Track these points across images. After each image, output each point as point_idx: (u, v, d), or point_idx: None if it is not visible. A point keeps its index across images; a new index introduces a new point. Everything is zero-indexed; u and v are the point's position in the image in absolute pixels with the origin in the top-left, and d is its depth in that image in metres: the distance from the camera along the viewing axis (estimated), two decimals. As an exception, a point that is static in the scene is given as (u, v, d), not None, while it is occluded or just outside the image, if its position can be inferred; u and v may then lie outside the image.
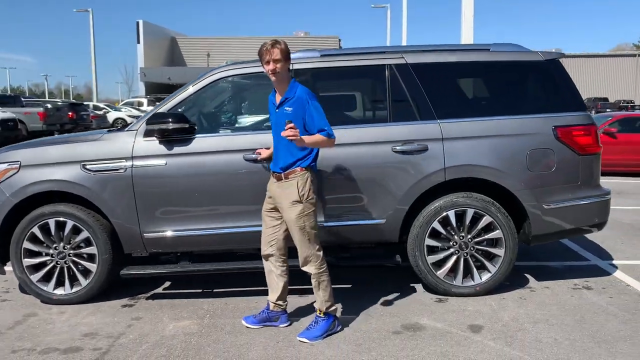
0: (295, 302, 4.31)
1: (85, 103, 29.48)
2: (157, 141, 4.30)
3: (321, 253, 3.69)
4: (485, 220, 4.33)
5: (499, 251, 4.37)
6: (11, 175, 4.35)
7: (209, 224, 4.31)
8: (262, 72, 4.40)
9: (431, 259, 4.38)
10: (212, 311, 4.23)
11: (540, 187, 4.33)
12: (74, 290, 4.42)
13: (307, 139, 3.47)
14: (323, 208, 4.29)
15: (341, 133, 4.30)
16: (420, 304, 4.28)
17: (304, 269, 3.70)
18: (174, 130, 4.22)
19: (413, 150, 4.27)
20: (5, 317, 4.19)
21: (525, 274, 4.94)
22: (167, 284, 4.90)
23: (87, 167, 4.30)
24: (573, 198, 4.38)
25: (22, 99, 23.86)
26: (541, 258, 5.45)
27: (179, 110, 4.45)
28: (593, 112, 45.77)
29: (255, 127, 4.87)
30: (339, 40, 57.10)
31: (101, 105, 34.50)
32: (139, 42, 49.97)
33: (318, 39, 54.82)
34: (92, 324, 4.03)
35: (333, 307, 3.74)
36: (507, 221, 4.31)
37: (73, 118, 22.42)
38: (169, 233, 4.33)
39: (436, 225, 4.33)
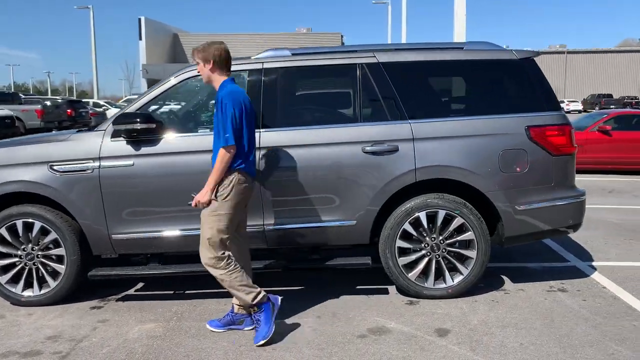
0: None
1: (84, 100, 29.52)
2: (125, 142, 4.25)
3: (227, 254, 3.60)
4: (457, 221, 4.26)
5: (471, 253, 4.31)
6: None
7: (176, 225, 4.27)
8: (239, 70, 4.40)
9: (402, 260, 4.32)
10: (180, 313, 4.19)
11: (512, 188, 4.26)
12: (43, 292, 4.38)
13: (210, 181, 3.53)
14: (293, 209, 4.24)
15: (311, 133, 4.29)
16: (391, 307, 4.22)
17: (208, 269, 3.66)
18: (142, 131, 4.17)
19: (383, 150, 4.21)
20: (-28, 319, 4.17)
21: (502, 276, 4.88)
22: (140, 285, 4.87)
23: (54, 167, 4.26)
24: (546, 199, 4.31)
25: (22, 96, 23.92)
26: (520, 259, 5.38)
27: (149, 109, 4.41)
28: (597, 108, 45.52)
29: None
30: (342, 36, 56.97)
31: (101, 102, 34.57)
32: (140, 38, 49.98)
33: (320, 35, 54.71)
34: (57, 326, 4.00)
35: (259, 297, 3.61)
36: (479, 223, 4.24)
37: (71, 115, 22.42)
38: (137, 235, 4.29)
39: (407, 226, 4.27)
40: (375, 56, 4.37)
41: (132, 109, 4.35)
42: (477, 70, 4.45)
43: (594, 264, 5.20)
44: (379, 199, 4.24)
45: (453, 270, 4.36)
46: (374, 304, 4.30)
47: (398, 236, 4.28)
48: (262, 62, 4.36)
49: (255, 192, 4.08)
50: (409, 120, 4.27)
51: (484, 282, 4.63)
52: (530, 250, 5.62)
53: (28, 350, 3.61)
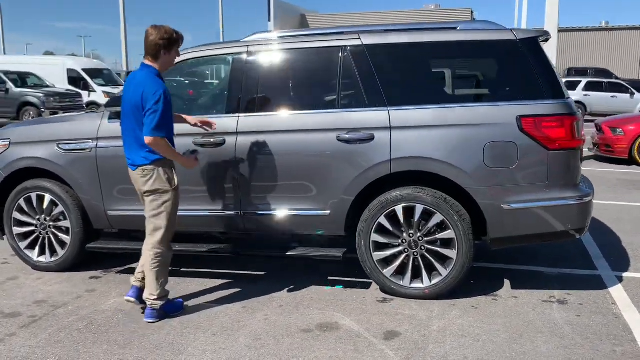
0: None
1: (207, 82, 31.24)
2: (118, 123, 4.48)
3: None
4: (436, 218, 3.93)
5: (451, 253, 3.96)
6: (2, 152, 4.82)
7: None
8: (222, 54, 4.41)
9: (377, 255, 4.09)
10: (160, 290, 4.37)
11: (498, 185, 3.82)
12: (53, 259, 4.80)
13: None
14: (268, 196, 4.19)
15: (287, 119, 4.20)
16: (359, 303, 4.04)
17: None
18: None
19: (358, 139, 3.99)
20: (-10, 279, 4.70)
21: (506, 279, 4.43)
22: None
23: (61, 146, 4.62)
24: (539, 199, 3.81)
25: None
26: (540, 263, 4.83)
27: None
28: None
29: (208, 111, 4.83)
30: (472, 12, 54.22)
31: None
32: (270, 19, 51.78)
33: (449, 11, 52.51)
34: (50, 292, 4.37)
35: (163, 300, 3.78)
36: (461, 221, 3.87)
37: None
38: (128, 212, 4.52)
39: (383, 220, 4.03)
40: (360, 38, 4.13)
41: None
42: (469, 52, 4.02)
43: (624, 275, 4.52)
44: (353, 190, 4.04)
45: (432, 270, 4.05)
46: (345, 298, 4.14)
47: (373, 230, 4.05)
48: (247, 46, 4.32)
49: (232, 176, 4.16)
50: (388, 107, 3.99)
51: (481, 284, 4.26)
52: (561, 254, 5.03)
53: (11, 312, 3.98)
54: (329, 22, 55.97)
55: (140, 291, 3.87)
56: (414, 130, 3.93)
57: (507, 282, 4.39)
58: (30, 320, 3.83)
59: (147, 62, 3.61)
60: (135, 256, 4.99)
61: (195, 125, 4.05)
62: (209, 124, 4.04)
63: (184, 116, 4.07)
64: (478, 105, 3.89)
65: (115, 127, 4.40)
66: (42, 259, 4.83)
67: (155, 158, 3.61)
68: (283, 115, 4.20)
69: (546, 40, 4.11)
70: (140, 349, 3.38)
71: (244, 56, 4.29)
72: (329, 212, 4.12)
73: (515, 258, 4.93)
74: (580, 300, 4.02)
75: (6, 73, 18.63)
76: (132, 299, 3.89)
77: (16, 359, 3.29)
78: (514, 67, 3.94)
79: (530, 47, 3.87)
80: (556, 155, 3.77)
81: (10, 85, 18.01)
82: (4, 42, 45.78)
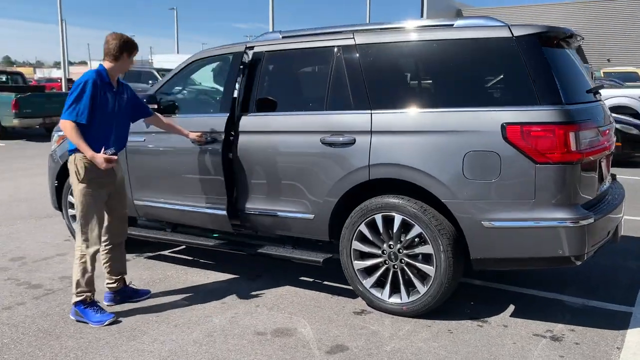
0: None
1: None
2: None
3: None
4: (415, 230, 3.65)
5: (430, 269, 3.65)
6: (61, 143, 5.45)
7: (169, 199, 4.69)
8: (226, 53, 4.52)
9: (357, 264, 3.92)
10: (163, 278, 4.63)
11: (478, 200, 3.43)
12: None
13: None
14: (258, 195, 4.23)
15: (275, 120, 4.20)
16: (334, 311, 3.91)
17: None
18: None
19: (339, 142, 3.84)
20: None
21: (514, 304, 3.97)
22: (181, 248, 5.46)
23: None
24: (524, 218, 3.34)
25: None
26: (571, 290, 4.22)
27: (171, 90, 4.89)
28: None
29: (205, 111, 4.98)
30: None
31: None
32: (422, 15, 50.84)
33: (617, 3, 46.93)
34: (79, 269, 4.87)
35: (79, 297, 3.75)
36: (439, 235, 3.55)
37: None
38: (148, 203, 4.86)
39: (363, 228, 3.84)
40: (353, 37, 3.96)
41: (151, 90, 4.88)
42: (460, 52, 3.63)
43: (663, 315, 3.77)
44: (334, 195, 3.91)
45: (411, 285, 3.77)
46: (324, 304, 4.03)
47: (354, 237, 3.89)
48: (254, 47, 4.37)
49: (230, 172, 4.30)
50: (372, 110, 3.78)
51: (481, 307, 3.91)
52: (602, 283, 4.35)
53: (36, 284, 4.50)
54: (486, 12, 53.36)
55: (111, 294, 4.07)
56: (393, 136, 3.69)
57: (511, 308, 3.92)
58: (44, 293, 4.32)
59: (103, 62, 3.79)
60: (170, 245, 5.38)
61: (193, 140, 4.30)
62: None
63: (184, 130, 4.30)
64: (459, 110, 3.51)
65: (140, 123, 4.76)
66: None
67: (72, 148, 3.68)
68: (270, 116, 4.22)
69: (565, 38, 3.58)
70: (104, 329, 3.64)
71: (242, 57, 4.34)
72: (312, 216, 4.03)
73: (541, 282, 4.37)
74: (580, 339, 3.45)
75: (160, 70, 20.76)
76: (107, 303, 4.02)
77: (8, 326, 3.73)
78: (505, 67, 3.51)
79: (527, 45, 3.39)
80: (545, 170, 3.27)
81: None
82: (178, 42, 51.02)
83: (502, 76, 3.55)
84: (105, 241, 3.99)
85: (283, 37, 4.31)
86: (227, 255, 4.98)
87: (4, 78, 17.07)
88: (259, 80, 4.26)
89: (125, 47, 3.73)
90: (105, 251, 4.03)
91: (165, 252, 5.32)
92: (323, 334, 3.56)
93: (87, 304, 3.75)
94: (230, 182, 4.28)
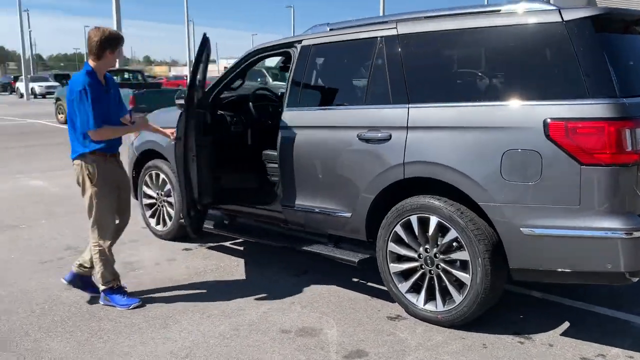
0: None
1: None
2: None
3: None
4: (451, 234, 3.39)
5: (466, 277, 3.36)
6: (139, 135, 5.77)
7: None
8: (281, 47, 4.48)
9: (393, 267, 3.72)
10: (206, 270, 4.74)
11: (517, 203, 3.09)
12: (164, 227, 5.56)
13: None
14: (300, 191, 4.17)
15: (315, 115, 4.12)
16: (367, 314, 3.75)
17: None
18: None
19: (376, 139, 3.67)
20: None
21: (569, 322, 3.56)
22: (240, 241, 5.55)
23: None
24: (567, 227, 2.95)
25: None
26: (644, 311, 3.69)
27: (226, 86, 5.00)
28: None
29: None
30: None
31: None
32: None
33: None
34: (142, 256, 5.08)
35: (107, 285, 3.88)
36: (476, 241, 3.25)
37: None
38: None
39: (399, 229, 3.64)
40: (396, 27, 3.75)
41: (208, 88, 4.99)
42: (504, 40, 3.28)
43: None
44: (370, 194, 3.74)
45: (447, 293, 3.50)
46: (360, 307, 3.88)
47: (390, 239, 3.70)
48: (302, 40, 4.30)
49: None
50: (409, 105, 3.55)
51: (531, 321, 3.58)
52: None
53: (101, 267, 4.84)
54: (620, 2, 48.79)
55: (74, 276, 4.06)
56: (429, 132, 3.44)
57: (565, 325, 3.52)
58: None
59: (89, 61, 3.75)
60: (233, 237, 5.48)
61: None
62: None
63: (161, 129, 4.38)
64: (498, 105, 3.17)
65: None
66: (159, 227, 5.61)
67: (79, 153, 3.73)
68: (310, 111, 4.16)
69: (629, 21, 3.11)
70: (141, 315, 3.78)
71: (293, 51, 4.29)
72: (350, 214, 3.89)
73: (612, 298, 3.87)
74: (634, 368, 3.00)
75: (269, 68, 21.38)
76: (65, 282, 4.07)
77: (64, 305, 4.01)
78: (552, 56, 3.10)
79: (578, 30, 2.98)
80: (592, 172, 2.86)
81: (268, 79, 20.66)
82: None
83: (548, 66, 3.15)
84: None
85: (330, 30, 4.20)
86: (281, 249, 4.98)
87: (126, 75, 18.62)
88: (303, 75, 4.19)
89: (106, 44, 3.66)
90: None
91: (226, 244, 5.44)
92: (347, 337, 3.42)
93: (114, 290, 3.93)
94: (282, 178, 4.26)
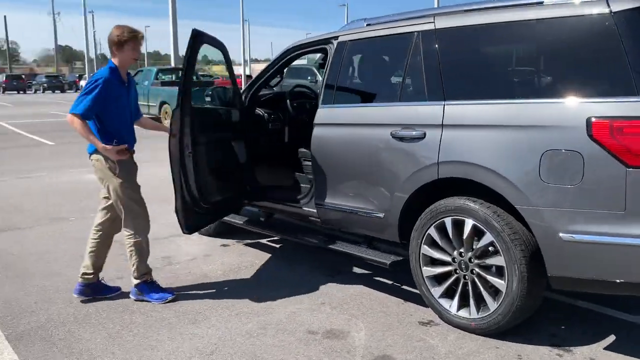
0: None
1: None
2: None
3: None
4: (487, 238, 3.23)
5: (501, 284, 3.20)
6: None
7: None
8: (319, 44, 4.42)
9: (427, 271, 3.59)
10: (240, 266, 4.73)
11: (555, 207, 2.90)
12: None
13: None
14: (332, 189, 4.09)
15: (348, 112, 4.04)
16: (398, 318, 3.63)
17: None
18: None
19: (410, 137, 3.54)
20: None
21: (614, 334, 3.33)
22: (276, 238, 5.53)
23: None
24: (611, 233, 2.74)
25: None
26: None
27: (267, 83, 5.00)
28: None
29: None
30: None
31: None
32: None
33: None
34: (181, 251, 5.16)
35: (142, 279, 3.90)
36: (513, 245, 3.08)
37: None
38: None
39: (432, 231, 3.51)
40: (433, 21, 3.61)
41: (247, 85, 4.99)
42: (547, 33, 3.08)
43: None
44: (403, 194, 3.62)
45: (482, 300, 3.34)
46: (391, 310, 3.77)
47: (423, 241, 3.57)
48: (339, 36, 4.22)
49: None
50: (445, 102, 3.41)
51: (575, 333, 3.40)
52: None
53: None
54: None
55: (82, 287, 3.96)
56: (464, 130, 3.29)
57: (610, 338, 3.29)
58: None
59: (112, 58, 3.81)
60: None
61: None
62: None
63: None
64: (538, 102, 2.99)
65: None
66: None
67: (95, 148, 3.73)
68: (343, 108, 4.08)
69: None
70: (172, 311, 3.81)
71: (329, 48, 4.21)
72: (382, 215, 3.79)
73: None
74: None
75: (320, 67, 21.44)
76: (76, 296, 3.97)
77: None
78: (598, 50, 2.88)
79: (627, 22, 2.76)
80: (639, 175, 2.64)
81: (319, 77, 20.67)
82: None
83: (592, 61, 2.94)
84: (100, 230, 3.98)
85: (367, 25, 4.10)
86: (316, 248, 4.92)
87: (180, 74, 19.06)
88: (338, 72, 4.11)
89: (124, 41, 3.71)
90: (97, 240, 3.98)
91: (263, 241, 5.44)
92: (375, 342, 3.32)
93: (148, 284, 3.95)
94: (315, 175, 4.21)
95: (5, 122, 18.28)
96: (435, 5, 33.85)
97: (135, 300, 3.94)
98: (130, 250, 3.90)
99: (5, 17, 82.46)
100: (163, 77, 18.57)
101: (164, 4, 21.38)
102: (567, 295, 3.84)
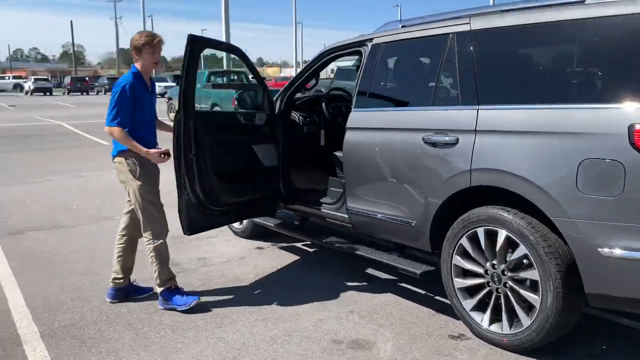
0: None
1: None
2: None
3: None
4: (520, 250, 3.06)
5: (535, 299, 3.02)
6: None
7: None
8: (355, 46, 4.33)
9: (458, 283, 3.45)
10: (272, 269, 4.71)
11: (594, 220, 2.71)
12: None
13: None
14: (361, 195, 4.01)
15: (377, 116, 3.96)
16: (428, 330, 3.50)
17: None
18: None
19: (442, 143, 3.41)
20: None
21: (661, 360, 3.08)
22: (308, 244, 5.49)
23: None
24: (655, 250, 2.52)
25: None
26: None
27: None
28: None
29: None
30: None
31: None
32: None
33: None
34: (217, 253, 5.19)
35: (165, 285, 3.85)
36: (547, 259, 2.91)
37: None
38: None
39: (464, 242, 3.37)
40: (469, 22, 3.47)
41: (283, 88, 4.97)
42: (587, 35, 2.89)
43: None
44: (434, 202, 3.49)
45: (515, 315, 3.17)
46: (421, 321, 3.64)
47: (455, 251, 3.43)
48: (373, 38, 4.14)
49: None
50: (479, 106, 3.26)
51: (617, 353, 3.16)
52: None
53: (177, 262, 4.90)
54: None
55: (114, 291, 4.02)
56: (498, 136, 3.13)
57: (654, 363, 3.05)
58: (177, 271, 4.65)
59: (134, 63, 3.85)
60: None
61: None
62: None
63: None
64: (576, 107, 2.80)
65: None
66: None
67: (119, 150, 3.77)
68: (372, 112, 3.99)
69: None
70: (199, 311, 3.81)
71: (364, 50, 4.13)
72: (414, 222, 3.67)
73: None
74: None
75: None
76: (109, 300, 4.01)
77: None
78: (641, 53, 2.67)
79: (676, 21, 2.55)
80: (686, 188, 2.43)
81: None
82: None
83: (635, 64, 2.73)
84: (124, 235, 4.02)
85: (402, 27, 4.00)
86: (350, 254, 4.85)
87: (232, 77, 19.39)
88: (372, 75, 4.02)
89: (143, 45, 3.74)
90: (123, 245, 4.02)
91: (298, 244, 5.41)
92: (401, 354, 3.21)
93: (172, 291, 3.90)
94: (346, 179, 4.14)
95: (65, 123, 19.10)
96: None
97: (164, 310, 3.87)
98: (151, 257, 3.86)
99: (71, 22, 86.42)
100: (215, 79, 18.91)
101: (220, 8, 21.75)
102: (610, 311, 3.61)
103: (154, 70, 4.02)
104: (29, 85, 49.22)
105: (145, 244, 3.88)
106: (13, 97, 44.53)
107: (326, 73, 25.98)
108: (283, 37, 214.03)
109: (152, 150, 3.75)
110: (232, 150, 4.28)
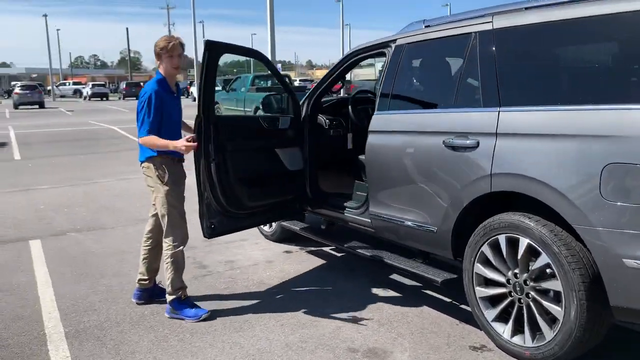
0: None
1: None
2: None
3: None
4: (542, 259, 2.91)
5: (557, 311, 2.86)
6: None
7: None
8: (379, 48, 4.25)
9: (480, 292, 3.31)
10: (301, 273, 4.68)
11: (619, 229, 2.53)
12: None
13: None
14: (381, 199, 3.93)
15: (397, 119, 3.87)
16: (449, 340, 3.37)
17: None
18: None
19: (463, 146, 3.29)
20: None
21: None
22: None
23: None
24: (684, 261, 2.33)
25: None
26: None
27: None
28: None
29: None
30: None
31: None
32: None
33: None
34: (245, 256, 5.20)
35: (176, 294, 3.82)
36: (570, 269, 2.75)
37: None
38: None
39: (486, 249, 3.23)
40: (492, 21, 3.33)
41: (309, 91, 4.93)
42: (612, 31, 2.70)
43: None
44: (455, 208, 3.37)
45: (538, 328, 3.01)
46: (442, 331, 3.52)
47: (476, 259, 3.30)
48: (396, 39, 4.04)
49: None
50: (500, 108, 3.12)
51: None
52: None
53: (206, 264, 4.97)
54: None
55: (140, 292, 4.10)
56: (520, 140, 2.98)
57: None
58: (205, 274, 4.74)
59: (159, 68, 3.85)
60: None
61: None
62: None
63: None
64: (599, 109, 2.62)
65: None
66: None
67: (147, 156, 3.74)
68: (393, 115, 3.88)
69: None
70: (220, 319, 3.83)
71: (387, 52, 4.05)
72: (435, 229, 3.55)
73: None
74: None
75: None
76: (135, 301, 4.10)
77: (160, 300, 4.23)
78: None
79: None
80: None
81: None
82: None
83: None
84: (150, 237, 4.07)
85: (426, 27, 3.89)
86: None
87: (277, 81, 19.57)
88: (394, 77, 3.92)
89: (163, 50, 3.73)
90: (149, 247, 4.07)
91: (326, 249, 5.36)
92: (417, 364, 3.12)
93: (182, 301, 3.85)
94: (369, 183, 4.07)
95: (117, 127, 19.75)
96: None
97: (170, 318, 3.83)
98: (167, 263, 3.83)
99: (127, 29, 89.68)
100: (259, 83, 19.10)
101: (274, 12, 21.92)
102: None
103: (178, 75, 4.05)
104: (87, 90, 51.28)
105: (164, 249, 3.88)
106: (72, 102, 46.55)
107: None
108: (332, 40, 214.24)
109: (178, 142, 3.69)
110: (254, 154, 4.26)
